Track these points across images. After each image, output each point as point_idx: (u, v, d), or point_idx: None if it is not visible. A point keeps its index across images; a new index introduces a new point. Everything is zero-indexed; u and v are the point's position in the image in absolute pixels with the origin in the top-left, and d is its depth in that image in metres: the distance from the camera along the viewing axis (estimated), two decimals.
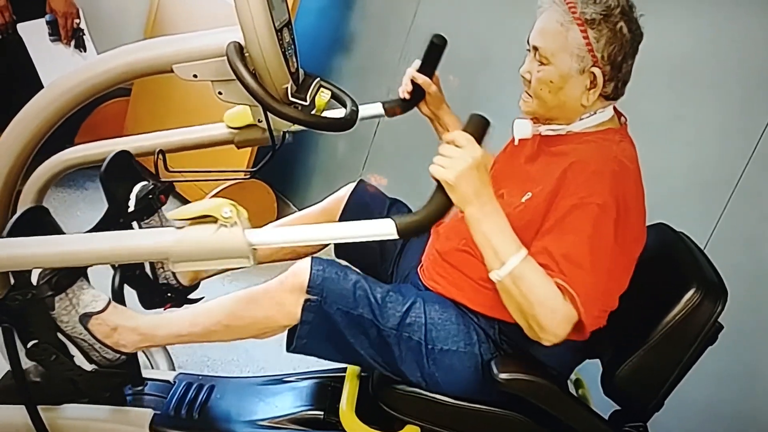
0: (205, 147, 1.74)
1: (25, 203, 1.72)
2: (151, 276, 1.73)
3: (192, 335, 1.50)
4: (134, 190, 1.64)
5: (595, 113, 1.44)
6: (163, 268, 1.72)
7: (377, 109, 1.79)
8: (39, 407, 1.51)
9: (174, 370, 1.93)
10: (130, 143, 1.70)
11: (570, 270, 1.29)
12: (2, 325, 1.44)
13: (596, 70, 1.38)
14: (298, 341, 1.45)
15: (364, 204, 1.78)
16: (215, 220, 1.29)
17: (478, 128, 1.29)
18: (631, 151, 1.43)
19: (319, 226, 1.37)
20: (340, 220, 1.75)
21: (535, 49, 1.43)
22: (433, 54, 1.74)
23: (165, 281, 1.73)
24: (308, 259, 1.44)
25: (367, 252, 1.76)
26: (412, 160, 2.62)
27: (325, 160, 3.38)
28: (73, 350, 1.49)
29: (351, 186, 1.82)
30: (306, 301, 1.41)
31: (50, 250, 1.38)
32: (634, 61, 1.43)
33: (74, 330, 1.46)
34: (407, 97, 1.79)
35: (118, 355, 1.50)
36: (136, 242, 1.39)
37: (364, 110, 1.71)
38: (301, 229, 1.39)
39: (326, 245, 1.75)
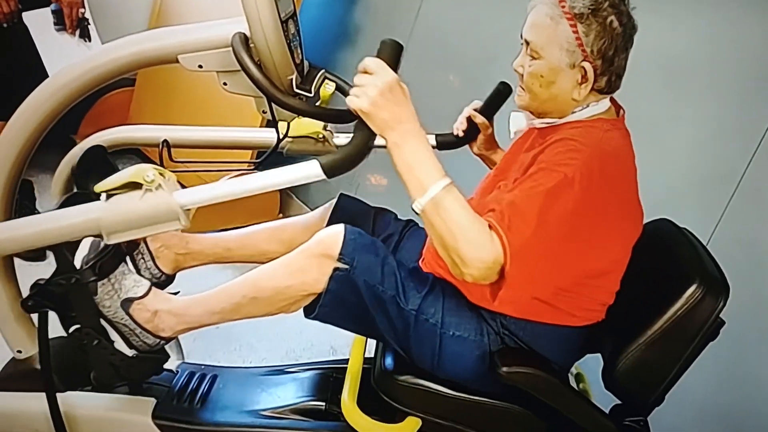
0: (248, 149, 1.76)
1: (55, 193, 1.76)
2: (132, 267, 1.71)
3: (223, 312, 1.51)
4: None
5: (588, 106, 1.44)
6: (143, 258, 1.70)
7: (431, 140, 1.81)
8: (35, 395, 1.52)
9: (184, 359, 1.94)
10: (171, 132, 1.72)
11: (510, 214, 1.27)
12: (41, 309, 1.45)
13: (587, 65, 1.37)
14: (320, 309, 1.44)
15: (349, 216, 1.75)
16: (140, 187, 1.29)
17: (391, 53, 1.26)
18: (618, 141, 1.41)
19: (246, 177, 1.34)
20: None
21: (527, 42, 1.43)
22: (497, 100, 1.77)
23: (146, 271, 1.72)
24: (341, 226, 1.44)
25: None
26: None
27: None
28: (113, 335, 1.50)
29: (332, 202, 1.81)
30: (335, 269, 1.41)
31: None
32: (629, 54, 1.41)
33: (116, 315, 1.47)
34: (461, 134, 1.82)
35: (157, 340, 1.51)
36: (66, 220, 1.37)
37: None
38: (228, 183, 1.34)
39: (257, 261, 1.72)
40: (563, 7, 1.37)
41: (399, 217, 1.84)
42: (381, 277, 1.42)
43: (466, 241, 1.24)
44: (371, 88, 1.23)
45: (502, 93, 1.76)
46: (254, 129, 1.85)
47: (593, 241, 1.36)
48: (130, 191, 1.31)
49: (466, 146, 1.87)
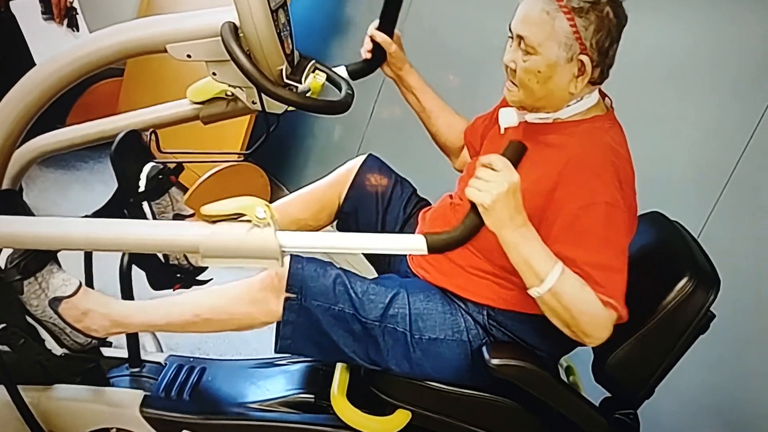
0: (173, 124, 1.69)
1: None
2: (161, 257, 1.71)
3: (169, 325, 1.51)
4: (144, 170, 1.63)
5: (582, 99, 1.42)
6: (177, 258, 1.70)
7: (342, 72, 1.71)
8: (29, 387, 1.51)
9: (162, 352, 1.93)
10: (97, 126, 1.65)
11: (603, 277, 1.30)
12: None
13: (584, 58, 1.36)
14: (282, 342, 1.46)
15: (368, 179, 1.75)
16: (248, 219, 1.28)
17: (516, 153, 1.29)
18: (620, 135, 1.43)
19: (350, 235, 1.38)
20: (348, 194, 1.73)
21: (520, 38, 1.39)
22: (391, 9, 1.69)
23: (176, 261, 1.71)
24: (287, 258, 1.44)
25: (375, 203, 1.76)
26: (407, 145, 2.61)
27: (320, 144, 3.36)
28: (44, 334, 1.48)
29: (360, 159, 1.79)
30: (286, 299, 1.42)
31: (78, 235, 1.35)
32: (618, 45, 1.40)
33: (44, 314, 1.46)
34: (368, 56, 1.74)
35: (89, 340, 1.50)
36: (170, 233, 1.37)
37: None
38: (333, 236, 1.36)
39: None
40: (560, 1, 1.34)
41: (417, 193, 1.81)
42: (334, 297, 1.43)
43: (585, 317, 1.29)
44: (496, 186, 1.24)
45: (394, 2, 1.68)
46: (169, 104, 1.73)
47: (630, 233, 1.39)
48: (236, 221, 1.29)
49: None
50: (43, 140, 1.66)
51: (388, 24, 1.70)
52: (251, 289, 1.46)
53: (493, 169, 1.26)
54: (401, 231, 1.75)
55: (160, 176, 1.63)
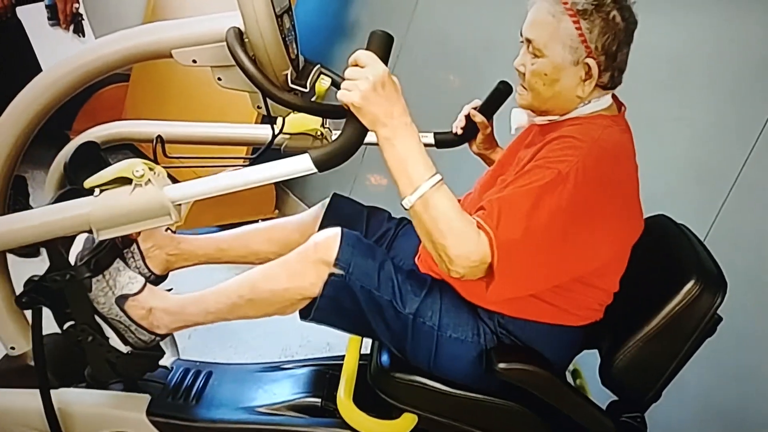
0: (243, 145, 1.75)
1: (49, 189, 1.75)
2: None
3: (219, 312, 1.50)
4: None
5: (590, 102, 1.42)
6: (133, 257, 1.69)
7: (429, 139, 1.82)
8: (29, 392, 1.51)
9: (179, 356, 1.93)
10: (165, 128, 1.72)
11: (499, 211, 1.26)
12: (36, 306, 1.44)
13: (590, 61, 1.36)
14: (316, 312, 1.43)
15: (342, 216, 1.75)
16: (130, 182, 1.28)
17: (380, 44, 1.24)
18: (618, 136, 1.40)
19: (238, 172, 1.32)
20: None
21: (528, 41, 1.41)
22: (497, 99, 1.77)
23: (136, 270, 1.69)
24: (337, 230, 1.43)
25: None
26: None
27: None
28: (108, 332, 1.49)
29: (325, 201, 1.80)
30: (330, 275, 1.40)
31: None
32: (630, 49, 1.40)
33: (111, 311, 1.47)
34: (459, 132, 1.81)
35: (153, 337, 1.51)
36: (56, 216, 1.36)
37: None
38: (219, 178, 1.33)
39: (249, 262, 1.74)
40: (565, 4, 1.35)
41: (392, 216, 1.83)
42: (377, 283, 1.42)
43: (453, 237, 1.25)
44: (362, 81, 1.22)
45: (502, 92, 1.76)
46: (249, 126, 1.85)
47: (589, 239, 1.33)
48: (121, 186, 1.30)
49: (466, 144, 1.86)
50: (95, 133, 1.75)
51: (489, 109, 1.78)
52: (288, 263, 1.44)
53: (359, 65, 1.24)
54: (394, 238, 1.76)
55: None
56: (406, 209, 1.29)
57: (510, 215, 1.26)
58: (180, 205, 1.31)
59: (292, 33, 1.40)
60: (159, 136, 1.62)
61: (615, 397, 1.51)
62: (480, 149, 1.84)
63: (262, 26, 1.28)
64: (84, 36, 2.70)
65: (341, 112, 1.32)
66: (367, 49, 1.24)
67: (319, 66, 1.49)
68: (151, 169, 1.29)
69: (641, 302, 1.42)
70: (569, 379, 1.72)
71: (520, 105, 1.49)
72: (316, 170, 1.26)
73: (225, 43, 1.29)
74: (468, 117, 1.80)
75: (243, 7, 1.27)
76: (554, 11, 1.36)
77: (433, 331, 1.43)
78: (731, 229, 1.99)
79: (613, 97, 1.47)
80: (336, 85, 1.52)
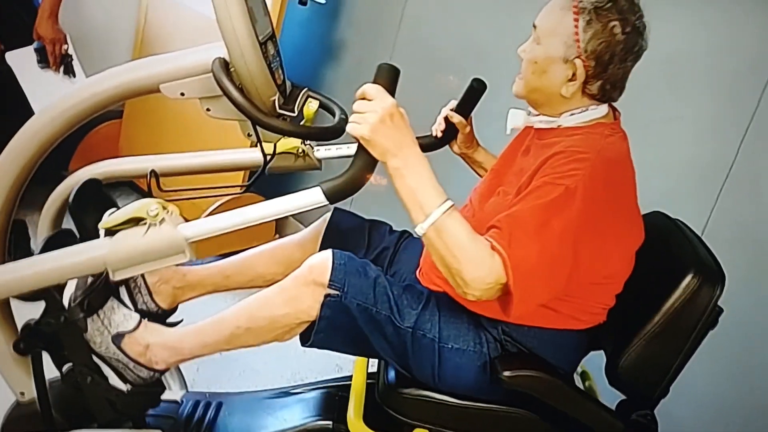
0: (237, 170, 1.75)
1: (42, 230, 1.76)
2: (129, 303, 1.68)
3: (218, 343, 1.50)
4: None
5: (587, 109, 1.43)
6: (140, 293, 1.69)
7: None
8: None
9: (186, 389, 1.93)
10: (157, 161, 1.72)
11: (511, 230, 1.26)
12: (34, 350, 1.45)
13: (578, 62, 1.37)
14: (315, 336, 1.42)
15: (343, 231, 1.76)
16: (145, 222, 1.28)
17: (388, 78, 1.26)
18: (619, 145, 1.41)
19: (249, 207, 1.33)
20: (321, 249, 1.70)
21: (535, 27, 1.43)
22: (472, 97, 1.77)
23: (144, 306, 1.70)
24: (329, 252, 1.43)
25: (356, 254, 1.75)
26: None
27: (324, 170, 3.37)
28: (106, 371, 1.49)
29: (326, 217, 1.80)
30: (326, 296, 1.40)
31: None
32: (629, 69, 1.39)
33: (108, 350, 1.47)
34: (439, 135, 1.81)
35: (152, 373, 1.50)
36: (72, 258, 1.37)
37: None
38: (231, 215, 1.33)
39: (257, 286, 1.72)
40: (576, 1, 1.37)
41: (394, 229, 1.84)
42: (373, 299, 1.42)
43: (467, 262, 1.25)
44: (371, 114, 1.23)
45: (476, 90, 1.75)
46: (240, 150, 1.84)
47: (598, 249, 1.34)
48: (134, 226, 1.30)
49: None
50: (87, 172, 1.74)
51: (466, 108, 1.78)
52: (284, 288, 1.44)
53: (366, 98, 1.25)
54: (395, 252, 1.77)
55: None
56: (418, 236, 1.29)
57: (521, 234, 1.26)
58: (193, 242, 1.31)
59: (277, 59, 1.41)
60: (152, 171, 1.63)
61: (623, 396, 1.51)
62: (461, 149, 1.83)
63: (247, 54, 1.29)
64: (75, 77, 2.72)
65: (330, 134, 1.33)
66: (374, 81, 1.26)
67: (306, 89, 1.49)
68: (164, 207, 1.29)
69: (642, 300, 1.43)
70: (578, 381, 1.71)
71: (513, 92, 1.49)
72: (327, 203, 1.27)
73: (211, 74, 1.30)
74: (446, 118, 1.79)
75: (226, 37, 1.28)
76: (564, 5, 1.38)
77: (434, 343, 1.43)
78: (725, 224, 2.00)
79: (610, 105, 1.47)
80: (325, 107, 1.53)
